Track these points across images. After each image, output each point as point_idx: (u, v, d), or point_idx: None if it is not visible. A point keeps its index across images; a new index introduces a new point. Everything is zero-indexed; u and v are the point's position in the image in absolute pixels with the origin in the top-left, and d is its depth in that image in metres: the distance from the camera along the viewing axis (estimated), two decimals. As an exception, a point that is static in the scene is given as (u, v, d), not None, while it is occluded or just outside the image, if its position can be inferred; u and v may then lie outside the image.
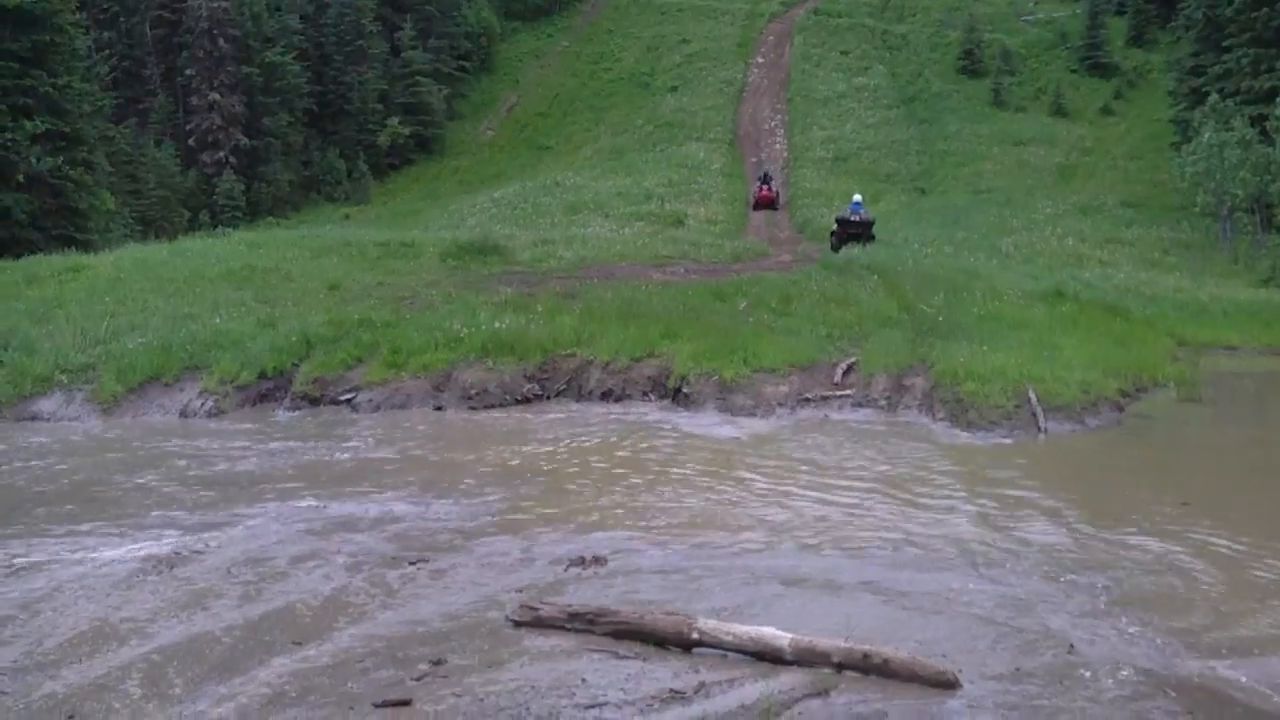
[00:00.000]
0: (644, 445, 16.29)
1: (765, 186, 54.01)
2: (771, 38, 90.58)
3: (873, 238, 37.61)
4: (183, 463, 15.87)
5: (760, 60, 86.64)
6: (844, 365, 19.68)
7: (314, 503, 13.16)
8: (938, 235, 42.64)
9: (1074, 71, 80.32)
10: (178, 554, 11.03)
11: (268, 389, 20.67)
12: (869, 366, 19.42)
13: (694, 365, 19.59)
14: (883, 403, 18.51)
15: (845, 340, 21.34)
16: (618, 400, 19.79)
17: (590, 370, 20.47)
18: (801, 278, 27.48)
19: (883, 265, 29.37)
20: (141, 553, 11.13)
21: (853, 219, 37.93)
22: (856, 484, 13.70)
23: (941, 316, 22.26)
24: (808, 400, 18.78)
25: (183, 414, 19.99)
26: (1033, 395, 17.27)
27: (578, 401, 19.90)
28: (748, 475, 14.26)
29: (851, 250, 34.27)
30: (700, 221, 51.26)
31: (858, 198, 40.52)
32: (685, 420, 18.09)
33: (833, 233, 38.72)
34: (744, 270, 31.20)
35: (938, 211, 53.18)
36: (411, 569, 10.52)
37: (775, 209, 52.56)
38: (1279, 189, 41.93)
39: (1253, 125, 45.24)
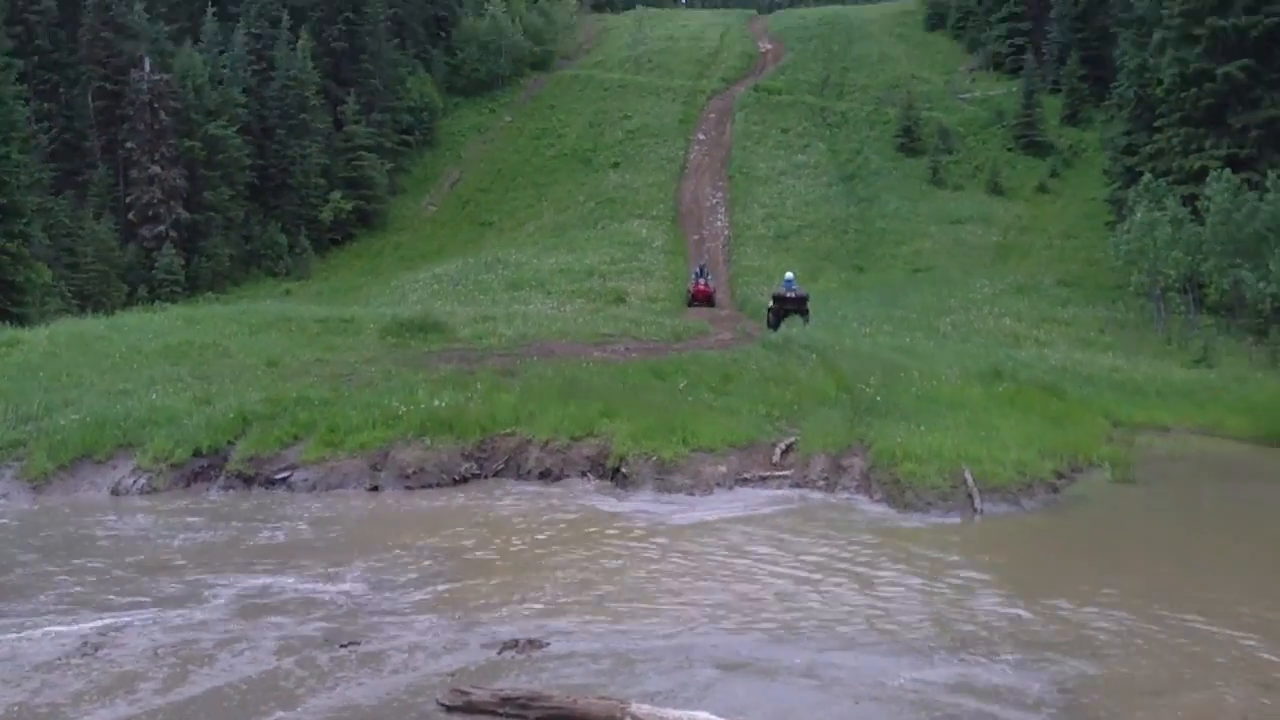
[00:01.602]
0: (581, 527, 16.25)
1: (702, 280, 52.67)
2: (713, 115, 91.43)
3: (807, 313, 38.49)
4: (112, 542, 15.67)
5: (702, 137, 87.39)
6: (782, 445, 19.74)
7: (244, 584, 13.02)
8: (876, 314, 43.04)
9: (1010, 150, 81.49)
10: (103, 636, 10.88)
11: (202, 467, 20.44)
12: (807, 446, 19.49)
13: (633, 445, 19.58)
14: (821, 483, 18.56)
15: (784, 419, 21.40)
16: (556, 480, 19.72)
17: (529, 449, 20.41)
18: (741, 356, 27.58)
19: (821, 344, 29.56)
20: (65, 635, 10.96)
21: (788, 295, 39.15)
22: (794, 566, 13.72)
23: (879, 396, 22.39)
24: (746, 480, 18.80)
25: (114, 492, 19.73)
26: (969, 476, 17.38)
27: (516, 481, 19.80)
28: (685, 557, 14.25)
29: (790, 329, 34.53)
30: (641, 299, 51.53)
31: (790, 275, 42.53)
32: (623, 501, 18.06)
33: (769, 309, 39.84)
34: (684, 348, 31.28)
35: (876, 290, 53.70)
36: (342, 652, 10.42)
37: (713, 304, 50.94)
38: (1209, 268, 42.58)
39: (1184, 204, 45.94)
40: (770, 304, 40.55)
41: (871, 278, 59.66)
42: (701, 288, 51.58)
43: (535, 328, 35.56)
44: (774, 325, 38.39)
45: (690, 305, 49.92)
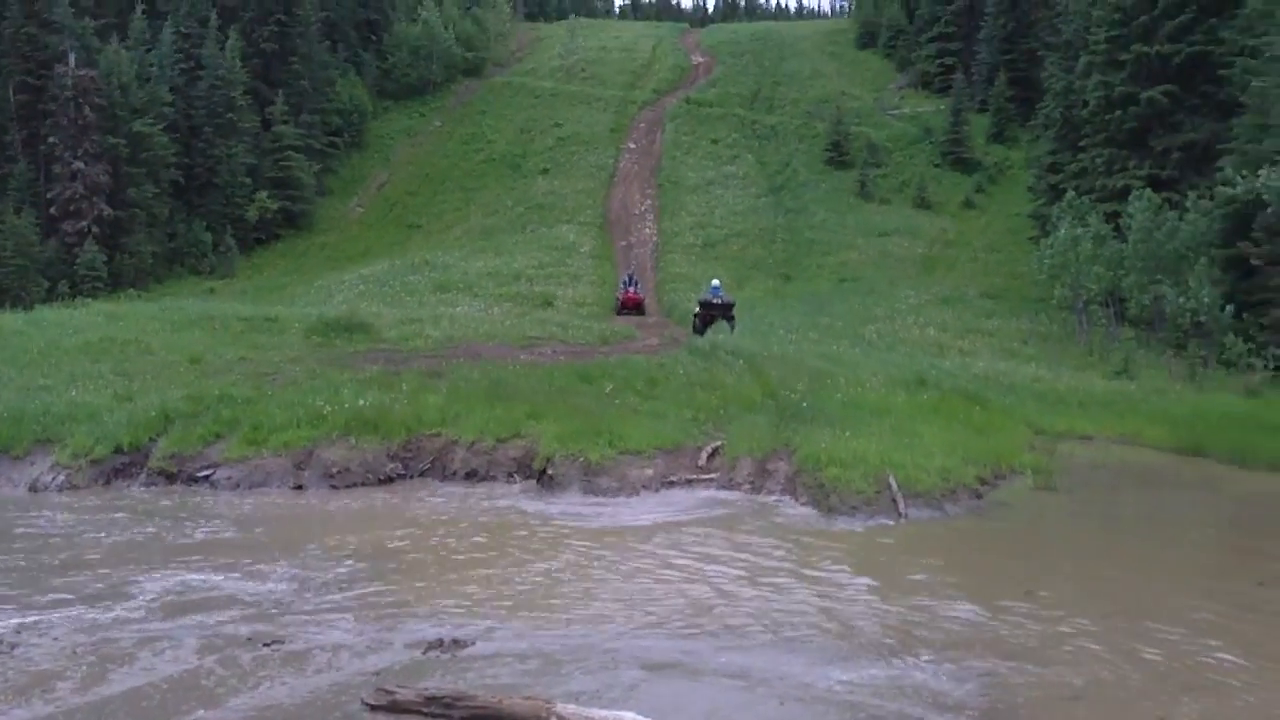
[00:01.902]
0: (507, 528, 16.19)
1: (631, 288, 52.41)
2: (643, 124, 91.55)
3: (733, 319, 38.88)
4: (30, 539, 15.40)
5: (632, 146, 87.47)
6: (709, 449, 19.78)
7: (166, 582, 12.82)
8: (803, 322, 43.21)
9: (937, 166, 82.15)
10: (20, 635, 10.66)
11: (123, 464, 20.18)
12: (733, 450, 19.53)
13: (559, 447, 19.54)
14: (747, 486, 18.61)
15: (710, 424, 21.44)
16: (482, 481, 19.65)
17: (455, 450, 20.32)
18: (668, 361, 27.60)
19: (748, 351, 29.62)
20: (-19, 633, 10.74)
21: (714, 301, 39.64)
22: (719, 567, 13.73)
23: (805, 402, 22.46)
24: (673, 483, 18.81)
25: (32, 488, 19.43)
26: (893, 481, 17.47)
27: (441, 482, 19.72)
28: (610, 558, 14.21)
29: (717, 336, 34.59)
30: (569, 303, 51.40)
31: (716, 282, 43.03)
32: (549, 502, 18.03)
33: (695, 315, 40.29)
34: (611, 353, 31.25)
35: (803, 299, 53.91)
36: (265, 651, 10.28)
37: (643, 312, 50.49)
38: (1130, 284, 43.19)
39: (1107, 221, 46.58)
40: (696, 310, 40.86)
41: (799, 287, 59.91)
42: (631, 295, 51.03)
43: (462, 330, 35.42)
44: (700, 331, 38.70)
45: (619, 313, 49.21)
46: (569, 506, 17.67)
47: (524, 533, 15.81)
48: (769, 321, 42.59)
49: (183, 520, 16.77)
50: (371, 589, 12.67)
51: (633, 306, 49.90)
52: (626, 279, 53.66)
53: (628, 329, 40.40)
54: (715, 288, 41.57)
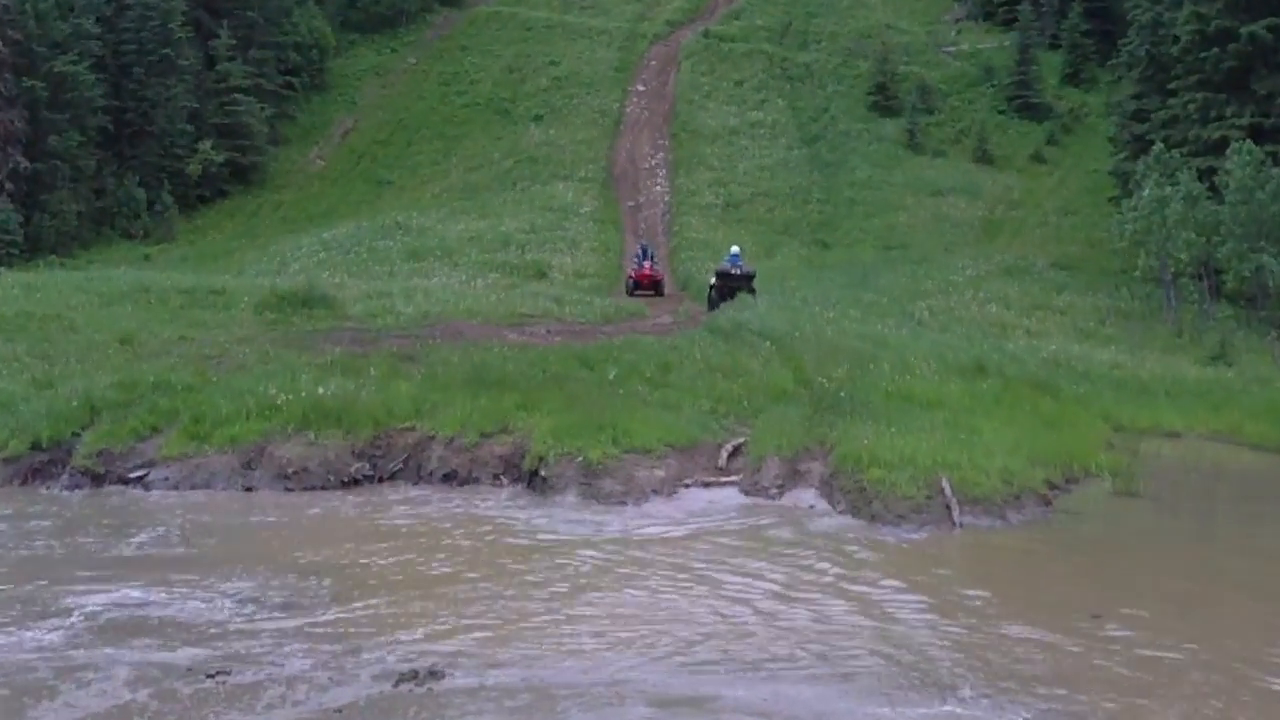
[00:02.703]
0: (492, 539, 16.23)
1: (647, 263, 50.35)
2: (654, 63, 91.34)
3: (754, 293, 39.02)
4: (-68, 550, 15.45)
5: (641, 88, 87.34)
6: (730, 446, 19.80)
7: (92, 602, 12.85)
8: (841, 297, 43.13)
9: (1001, 112, 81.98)
10: (-79, 662, 10.70)
11: (42, 462, 20.21)
12: (759, 448, 19.55)
13: (554, 443, 19.56)
14: (774, 491, 18.63)
15: (732, 417, 21.47)
16: (463, 484, 19.68)
17: (431, 447, 20.35)
18: (683, 343, 27.60)
19: (777, 331, 29.60)
20: (-124, 660, 10.78)
21: (733, 271, 40.01)
22: (742, 588, 13.74)
23: (844, 392, 22.45)
24: (687, 486, 18.84)
25: (-66, 491, 19.49)
26: (947, 485, 17.47)
27: (416, 485, 19.75)
28: (614, 576, 14.24)
29: (742, 313, 34.55)
30: (566, 274, 51.42)
31: (735, 249, 43.53)
32: (542, 509, 18.05)
33: (712, 287, 40.59)
34: (616, 332, 31.27)
35: (842, 269, 53.81)
36: (208, 684, 10.31)
37: (661, 293, 48.86)
38: (1228, 252, 42.83)
39: (1200, 179, 46.11)
40: (713, 281, 41.34)
41: (837, 255, 59.87)
42: (647, 272, 49.48)
43: (440, 305, 35.45)
44: (715, 305, 39.24)
45: (632, 294, 48.35)
46: (565, 514, 17.70)
47: (512, 545, 15.84)
48: (802, 296, 42.53)
49: (112, 529, 16.80)
50: (334, 611, 12.69)
51: (649, 286, 48.03)
52: (640, 251, 51.86)
53: (636, 305, 40.50)
54: (734, 256, 42.07)
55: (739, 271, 40.77)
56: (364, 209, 72.13)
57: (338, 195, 77.89)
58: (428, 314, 33.50)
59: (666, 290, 48.59)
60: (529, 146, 78.94)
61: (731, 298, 39.07)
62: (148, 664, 10.76)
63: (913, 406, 21.84)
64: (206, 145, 77.51)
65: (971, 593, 13.69)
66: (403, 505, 18.42)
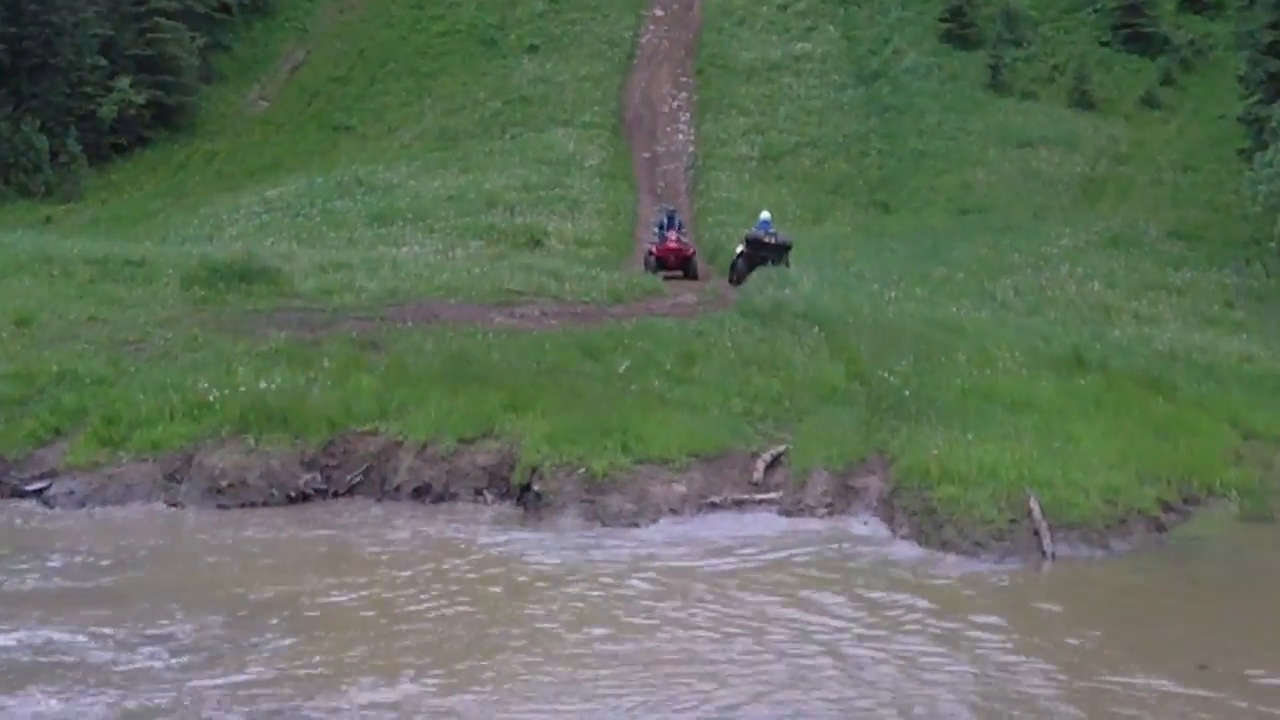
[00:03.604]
0: (473, 571, 16.25)
1: (672, 233, 47.41)
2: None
3: (788, 264, 39.14)
4: None
5: (659, 13, 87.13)
6: (767, 456, 19.82)
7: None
8: (906, 272, 43.06)
9: (1105, 45, 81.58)
10: None
11: (-84, 472, 20.29)
12: (803, 459, 19.57)
13: (550, 451, 19.59)
14: (822, 511, 18.65)
15: (770, 420, 21.48)
16: (438, 500, 19.74)
17: (399, 455, 20.40)
18: (710, 328, 27.57)
19: (826, 314, 29.55)
20: None
21: (764, 239, 40.45)
22: (780, 634, 13.74)
23: (909, 390, 22.45)
24: (714, 506, 18.87)
25: None
26: (1035, 506, 17.45)
27: (379, 501, 19.82)
28: (623, 619, 14.24)
29: (782, 291, 34.48)
30: (566, 242, 51.34)
31: (766, 215, 43.84)
32: (535, 533, 18.09)
33: (740, 255, 41.15)
34: (627, 315, 31.19)
35: (907, 238, 53.65)
36: (122, 745, 10.34)
37: (692, 275, 45.75)
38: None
39: (1355, 127, 45.93)
40: (740, 249, 41.84)
41: (901, 221, 59.73)
42: (672, 245, 46.46)
43: (411, 280, 35.38)
44: (741, 278, 39.90)
45: (654, 272, 44.95)
46: (564, 539, 17.73)
47: (498, 579, 15.87)
48: (857, 271, 42.53)
49: (4, 555, 16.83)
50: (278, 661, 12.71)
51: (676, 264, 45.78)
52: (664, 219, 48.92)
53: (653, 281, 40.36)
54: (765, 222, 42.43)
55: (772, 240, 41.07)
56: (317, 161, 72.07)
57: (284, 144, 77.88)
58: (395, 291, 33.43)
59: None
60: (521, 84, 78.82)
61: (758, 268, 39.29)
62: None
63: (994, 408, 21.81)
64: (124, 83, 77.37)
65: (1067, 640, 13.66)
66: (363, 527, 18.45)
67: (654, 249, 46.91)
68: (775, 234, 41.68)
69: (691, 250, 47.00)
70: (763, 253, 40.14)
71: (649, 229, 51.08)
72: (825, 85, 77.28)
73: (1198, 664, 12.75)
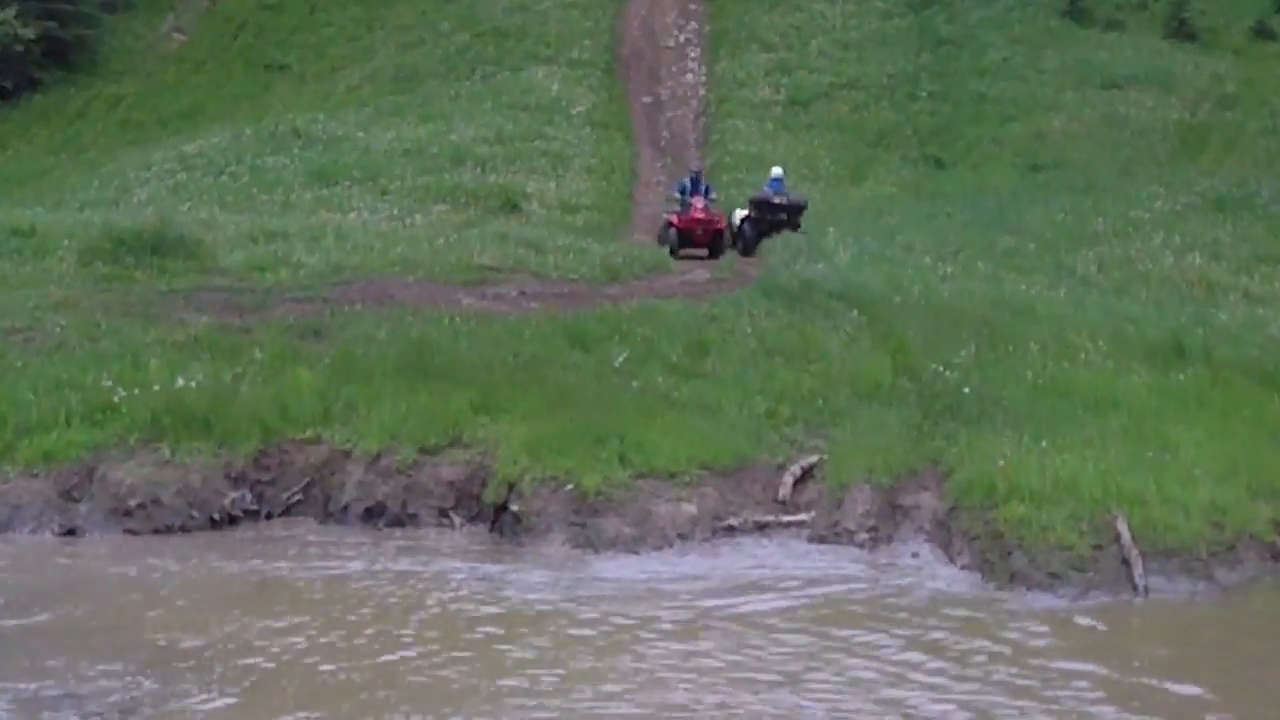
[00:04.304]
0: (437, 611, 16.23)
1: (699, 200, 44.88)
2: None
3: (798, 227, 39.36)
4: None
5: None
6: (797, 469, 19.82)
7: None
8: (966, 241, 43.05)
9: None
10: None
11: None
12: (840, 473, 19.55)
13: (530, 463, 19.59)
14: (863, 536, 18.65)
15: (800, 424, 21.51)
16: (395, 523, 19.76)
17: (346, 468, 20.40)
18: (726, 311, 27.57)
19: (868, 293, 29.57)
20: None
21: (774, 200, 41.71)
22: (817, 693, 13.70)
23: (969, 386, 22.45)
24: (732, 530, 18.87)
25: None
26: (1124, 529, 17.42)
27: (323, 524, 19.85)
28: (622, 674, 14.22)
29: (814, 265, 34.43)
30: (550, 207, 51.33)
31: (778, 171, 44.70)
32: (512, 563, 18.09)
33: (745, 220, 42.16)
34: (625, 295, 31.15)
35: (966, 200, 53.58)
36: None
37: (720, 253, 43.79)
38: None
39: None
40: (744, 212, 42.58)
41: (958, 179, 59.67)
42: (699, 214, 44.28)
43: (360, 254, 35.33)
44: (750, 247, 40.97)
45: (675, 250, 43.37)
46: (548, 571, 17.73)
47: (468, 620, 15.86)
48: (905, 240, 42.52)
49: None
50: None
51: (704, 239, 43.96)
52: (688, 180, 46.53)
53: (656, 254, 40.35)
54: (776, 180, 43.07)
55: (783, 201, 41.55)
56: (245, 108, 72.13)
57: (206, 88, 77.93)
58: (341, 266, 33.38)
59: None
60: (493, 13, 78.69)
61: (769, 236, 39.39)
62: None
63: (1073, 408, 21.84)
64: (8, 13, 77.42)
65: (1166, 695, 13.61)
66: (304, 558, 18.43)
67: (675, 220, 44.94)
68: (787, 194, 42.19)
69: (722, 223, 45.00)
70: (772, 216, 40.16)
71: (665, 193, 50.46)
72: (866, 13, 77.31)
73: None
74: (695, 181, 46.12)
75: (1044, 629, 15.68)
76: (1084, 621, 15.98)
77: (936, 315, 27.84)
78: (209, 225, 37.76)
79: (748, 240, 41.05)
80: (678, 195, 45.88)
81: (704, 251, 43.76)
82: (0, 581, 17.31)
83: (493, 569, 17.82)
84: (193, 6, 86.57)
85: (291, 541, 19.10)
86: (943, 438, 20.25)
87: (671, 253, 42.44)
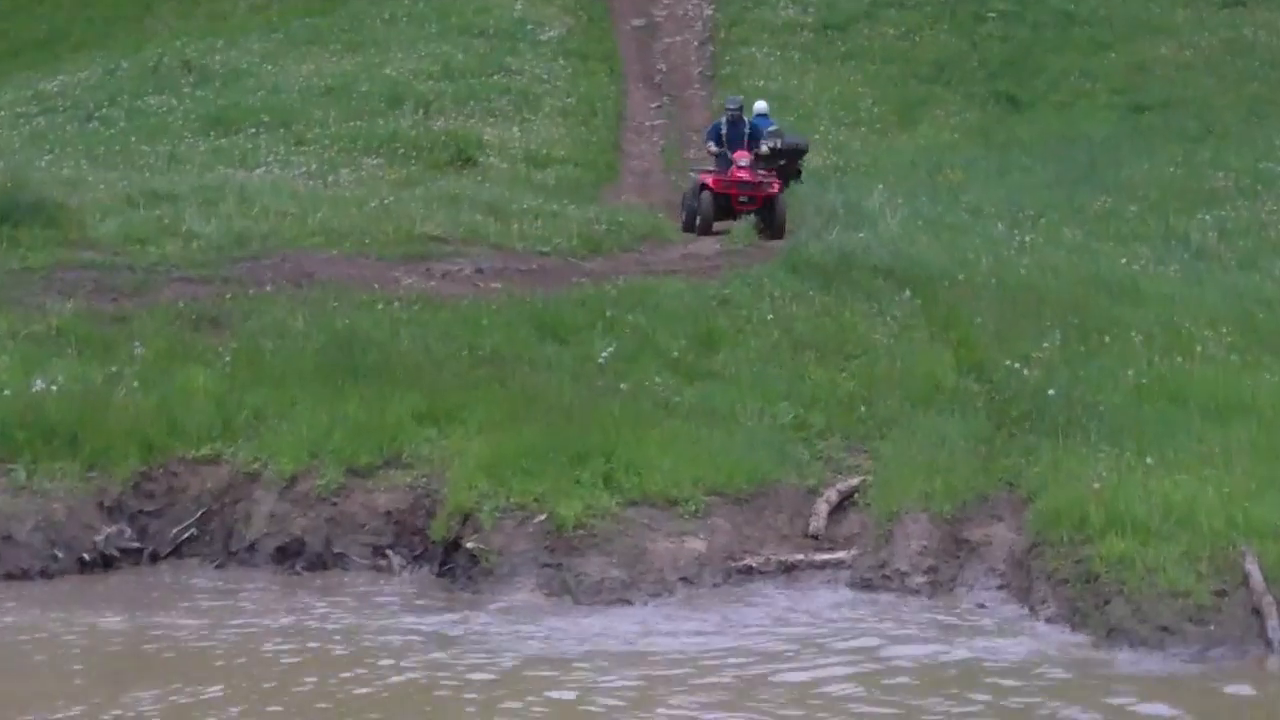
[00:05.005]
0: (371, 681, 16.20)
1: (744, 155, 42.44)
2: None
3: (799, 175, 41.00)
4: None
5: None
6: (832, 494, 19.83)
7: None
8: (1048, 202, 43.05)
9: None
10: None
11: None
12: (890, 498, 19.54)
13: (491, 488, 19.53)
14: (920, 580, 18.63)
15: (837, 436, 21.57)
16: (316, 566, 19.76)
17: (254, 496, 20.39)
18: (742, 292, 27.60)
19: (924, 268, 29.59)
20: None
21: (763, 147, 41.05)
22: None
23: (1054, 388, 22.41)
24: (749, 573, 18.86)
25: None
26: (1254, 570, 17.40)
27: (223, 568, 19.82)
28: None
29: (854, 234, 34.35)
30: (514, 160, 51.29)
31: (761, 106, 44.65)
32: (467, 617, 18.04)
33: (704, 182, 40.83)
34: (611, 272, 31.19)
35: (1049, 150, 53.56)
36: None
37: (778, 228, 41.05)
38: None
39: None
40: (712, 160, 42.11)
41: (1038, 123, 59.68)
42: (744, 174, 41.68)
43: (270, 222, 35.31)
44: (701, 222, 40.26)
45: (709, 225, 41.38)
46: (513, 630, 17.64)
47: (411, 694, 15.80)
48: (971, 202, 42.52)
49: None
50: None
51: (750, 207, 41.45)
52: (725, 121, 44.32)
53: (650, 217, 40.35)
54: (761, 117, 42.99)
55: (775, 145, 41.25)
56: (120, 35, 72.14)
57: (69, 8, 77.97)
58: (245, 238, 33.36)
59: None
60: (439, -92, 78.82)
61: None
62: None
63: (1188, 415, 21.80)
64: None
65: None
66: (198, 612, 18.39)
67: (709, 179, 42.32)
68: (780, 134, 41.67)
69: (776, 185, 42.30)
70: (763, 165, 40.12)
71: (701, 138, 47.69)
72: (918, -91, 77.31)
73: None
74: (735, 124, 44.03)
75: (1153, 698, 15.67)
76: (1205, 686, 15.98)
77: (1012, 297, 27.87)
78: (75, 185, 37.79)
79: (699, 210, 40.56)
80: (714, 148, 43.59)
81: (768, 227, 41.08)
82: None
83: (441, 626, 17.75)
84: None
85: (183, 590, 19.09)
86: (1020, 454, 20.26)
87: (703, 229, 41.12)
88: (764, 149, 40.94)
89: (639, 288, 27.82)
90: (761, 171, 42.19)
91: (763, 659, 16.67)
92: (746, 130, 43.23)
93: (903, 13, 68.68)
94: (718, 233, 40.67)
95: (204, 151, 50.19)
